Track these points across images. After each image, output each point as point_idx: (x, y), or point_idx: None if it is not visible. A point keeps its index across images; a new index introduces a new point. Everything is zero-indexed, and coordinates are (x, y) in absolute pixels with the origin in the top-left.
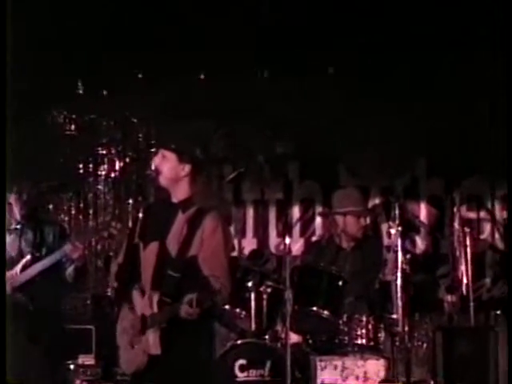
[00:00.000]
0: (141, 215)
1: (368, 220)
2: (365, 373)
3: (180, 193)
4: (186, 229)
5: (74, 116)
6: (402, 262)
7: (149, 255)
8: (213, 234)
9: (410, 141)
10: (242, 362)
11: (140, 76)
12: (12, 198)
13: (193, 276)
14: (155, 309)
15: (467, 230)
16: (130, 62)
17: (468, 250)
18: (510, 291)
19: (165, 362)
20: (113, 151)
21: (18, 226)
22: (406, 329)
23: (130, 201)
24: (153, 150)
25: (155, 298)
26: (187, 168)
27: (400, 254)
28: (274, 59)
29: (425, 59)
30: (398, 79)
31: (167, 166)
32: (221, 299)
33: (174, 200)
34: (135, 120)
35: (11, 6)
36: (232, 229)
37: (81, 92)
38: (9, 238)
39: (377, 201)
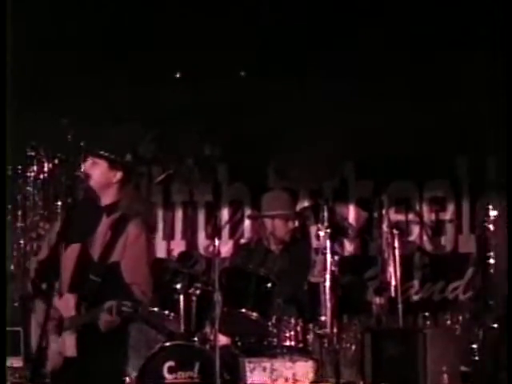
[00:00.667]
0: (65, 215)
1: (297, 222)
2: (294, 374)
3: (108, 197)
4: (110, 234)
5: None
6: (331, 264)
7: (70, 256)
8: (136, 241)
9: (339, 143)
10: (170, 363)
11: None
12: None
13: (114, 282)
14: (73, 312)
15: (395, 232)
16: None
17: (396, 252)
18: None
19: (80, 365)
20: (41, 152)
21: None
22: (335, 330)
23: (59, 202)
24: (84, 153)
25: (73, 300)
26: (118, 175)
27: (328, 256)
28: (200, 61)
29: (350, 60)
30: (325, 82)
31: (98, 171)
32: (141, 308)
33: (101, 203)
34: (65, 120)
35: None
36: (160, 233)
37: None
38: None
39: (305, 203)
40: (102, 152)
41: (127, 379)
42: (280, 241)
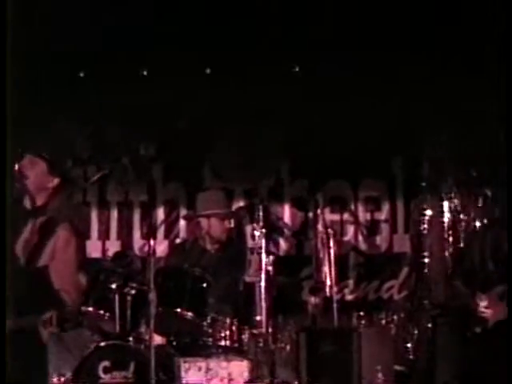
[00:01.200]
0: None
1: (232, 222)
2: (229, 374)
3: (40, 200)
4: (37, 237)
5: None
6: (266, 264)
7: None
8: (66, 247)
9: (274, 143)
10: (105, 363)
11: None
12: None
13: (43, 287)
14: None
15: (330, 231)
16: None
17: (331, 251)
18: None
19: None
20: None
21: None
22: (270, 330)
23: None
24: (22, 152)
25: None
26: (56, 181)
27: (264, 255)
28: (137, 60)
29: (286, 60)
30: (261, 81)
31: (35, 172)
32: (71, 315)
33: (29, 205)
34: None
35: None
36: (95, 234)
37: None
38: None
39: (241, 203)
40: (42, 153)
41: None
42: (215, 240)
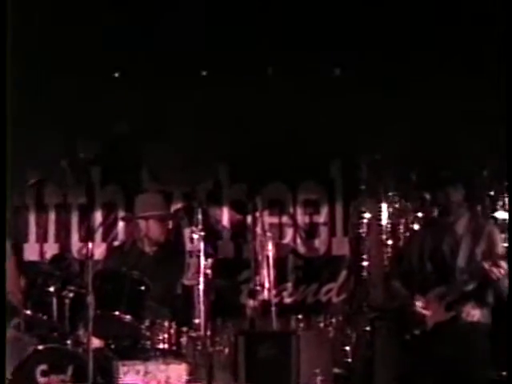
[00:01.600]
0: None
1: (170, 225)
2: (167, 377)
3: None
4: None
5: None
6: (205, 267)
7: None
8: None
9: (213, 145)
10: (43, 367)
11: None
12: None
13: None
14: None
15: (269, 234)
16: None
17: (270, 254)
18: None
19: None
20: None
21: None
22: (208, 333)
23: None
24: None
25: None
26: None
27: (202, 258)
28: (76, 60)
29: (223, 63)
30: (200, 84)
31: None
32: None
33: None
34: None
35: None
36: (33, 236)
37: None
38: None
39: (179, 206)
40: None
41: None
42: (154, 243)
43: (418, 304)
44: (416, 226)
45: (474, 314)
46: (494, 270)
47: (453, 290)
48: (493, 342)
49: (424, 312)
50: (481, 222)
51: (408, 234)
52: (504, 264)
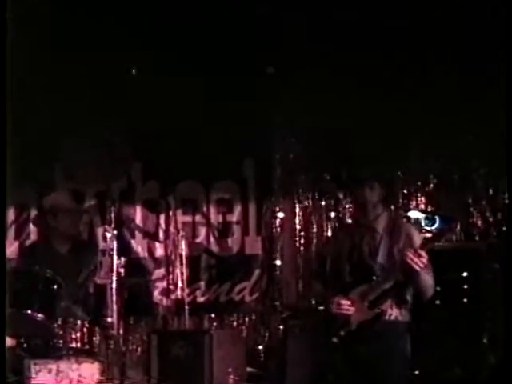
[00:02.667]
0: None
1: (84, 223)
2: (79, 376)
3: None
4: None
5: None
6: (117, 266)
7: None
8: None
9: (126, 144)
10: None
11: None
12: None
13: None
14: None
15: (182, 233)
16: None
17: (183, 253)
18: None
19: None
20: None
21: None
22: (121, 332)
23: None
24: None
25: None
26: None
27: (115, 257)
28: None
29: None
30: (107, 82)
31: None
32: None
33: None
34: None
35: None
36: None
37: None
38: None
39: (93, 204)
40: None
41: None
42: (67, 241)
43: (341, 304)
44: (329, 225)
45: (392, 313)
46: (416, 259)
47: (374, 288)
48: (412, 340)
49: (348, 312)
50: (398, 220)
51: (321, 233)
52: (423, 256)
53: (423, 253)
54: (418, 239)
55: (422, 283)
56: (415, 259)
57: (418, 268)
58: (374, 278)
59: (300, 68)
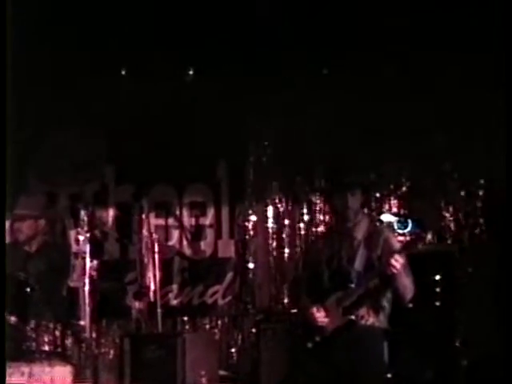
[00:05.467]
0: None
1: (56, 226)
2: (52, 379)
3: None
4: None
5: None
6: (90, 269)
7: None
8: None
9: (100, 147)
10: None
11: None
12: None
13: None
14: None
15: (155, 236)
16: None
17: (156, 256)
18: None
19: None
20: None
21: None
22: (94, 335)
23: None
24: None
25: None
26: None
27: (88, 260)
28: None
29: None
30: (83, 86)
31: None
32: None
33: None
34: None
35: None
36: None
37: None
38: None
39: (65, 207)
40: None
41: None
42: (39, 244)
43: (317, 311)
44: (302, 229)
45: (369, 318)
46: (391, 266)
47: (349, 294)
48: (389, 345)
49: (323, 319)
50: (377, 227)
51: (294, 237)
52: (401, 258)
53: (401, 257)
54: (396, 245)
55: (401, 287)
56: (394, 264)
57: (396, 272)
58: (351, 284)
59: (274, 70)
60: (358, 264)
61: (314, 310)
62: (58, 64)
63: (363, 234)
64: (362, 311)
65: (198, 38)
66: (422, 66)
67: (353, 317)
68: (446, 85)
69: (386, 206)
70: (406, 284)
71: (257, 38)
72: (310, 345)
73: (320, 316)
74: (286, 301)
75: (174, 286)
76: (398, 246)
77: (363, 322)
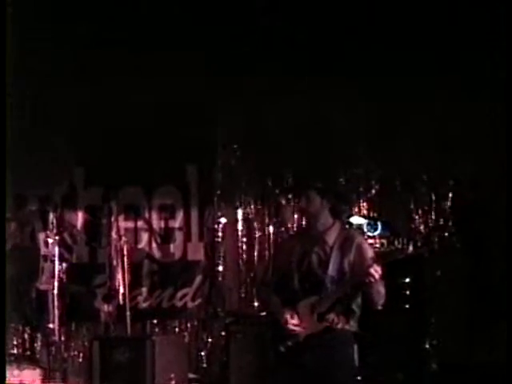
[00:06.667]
0: None
1: (25, 228)
2: (21, 382)
3: None
4: None
5: None
6: (59, 271)
7: None
8: None
9: (68, 148)
10: None
11: None
12: None
13: None
14: None
15: (124, 239)
16: None
17: (125, 259)
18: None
19: None
20: None
21: None
22: (63, 338)
23: None
24: None
25: None
26: None
27: (57, 263)
28: None
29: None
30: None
31: None
32: None
33: None
34: None
35: None
36: None
37: None
38: None
39: (33, 209)
40: None
41: None
42: (8, 247)
43: (290, 315)
44: (272, 232)
45: (339, 322)
46: (367, 277)
47: (323, 300)
48: (359, 348)
49: (296, 323)
50: (350, 232)
51: (263, 239)
52: (377, 270)
53: (379, 267)
54: (369, 251)
55: (375, 293)
56: (372, 274)
57: (372, 280)
58: (324, 290)
59: (244, 72)
60: (332, 270)
61: (287, 314)
62: (22, 65)
63: (335, 238)
64: (332, 315)
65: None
66: (391, 68)
67: (328, 323)
68: (415, 86)
69: (356, 209)
70: (380, 290)
71: (231, 38)
72: (282, 349)
73: (293, 321)
74: (255, 304)
75: (144, 289)
76: (370, 252)
77: (333, 325)
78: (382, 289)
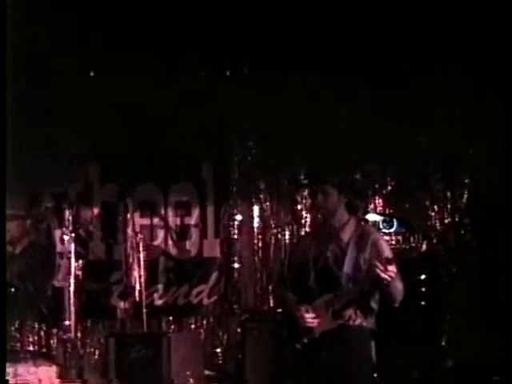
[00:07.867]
0: None
1: (41, 225)
2: (37, 379)
3: None
4: None
5: None
6: (75, 269)
7: None
8: None
9: (84, 146)
10: None
11: None
12: None
13: None
14: None
15: (140, 236)
16: None
17: (141, 256)
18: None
19: None
20: None
21: None
22: (79, 335)
23: None
24: None
25: None
26: None
27: (73, 260)
28: None
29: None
30: (63, 84)
31: None
32: None
33: None
34: None
35: None
36: None
37: None
38: None
39: (49, 206)
40: None
41: None
42: (23, 243)
43: (306, 312)
44: (288, 229)
45: (357, 319)
46: (383, 274)
47: (339, 297)
48: (376, 346)
49: (311, 320)
50: (366, 228)
51: (279, 236)
52: (393, 268)
53: (391, 267)
54: (386, 248)
55: (393, 291)
56: (383, 274)
57: (388, 279)
58: (340, 287)
59: (259, 71)
60: (347, 267)
61: (303, 311)
62: (39, 63)
63: (350, 235)
64: (350, 312)
65: (186, 37)
66: (407, 66)
67: (344, 321)
68: (430, 84)
69: (372, 206)
70: (398, 287)
71: (246, 39)
72: (298, 346)
73: (309, 317)
74: (271, 300)
75: (160, 286)
76: (387, 249)
77: (351, 322)
78: (400, 285)
